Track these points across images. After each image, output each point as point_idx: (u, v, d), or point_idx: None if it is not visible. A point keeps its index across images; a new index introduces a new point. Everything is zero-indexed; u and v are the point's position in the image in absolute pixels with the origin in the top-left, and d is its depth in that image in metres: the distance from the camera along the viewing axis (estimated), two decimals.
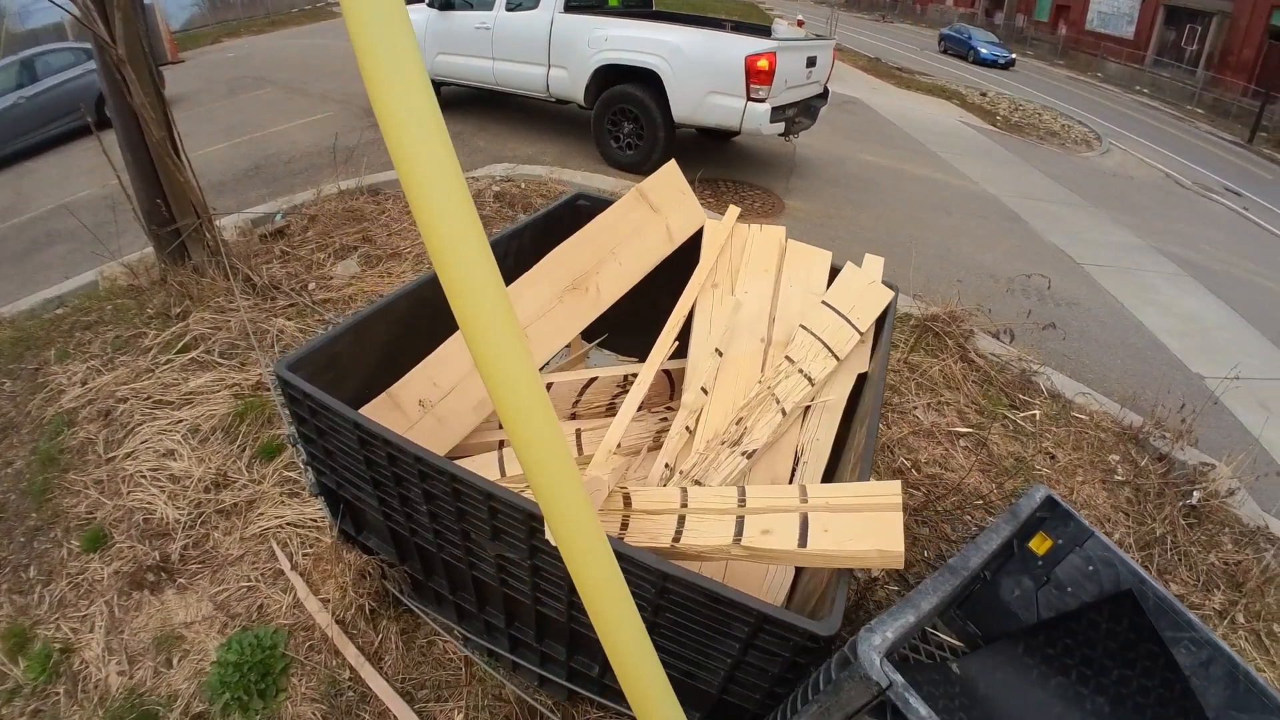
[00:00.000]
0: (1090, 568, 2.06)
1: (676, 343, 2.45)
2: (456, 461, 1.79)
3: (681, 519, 1.63)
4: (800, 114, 7.59)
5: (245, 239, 5.00)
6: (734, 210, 2.90)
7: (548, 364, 2.74)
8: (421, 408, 2.15)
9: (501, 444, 2.34)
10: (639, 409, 2.29)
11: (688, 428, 2.24)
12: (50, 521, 3.00)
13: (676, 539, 1.59)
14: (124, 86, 3.78)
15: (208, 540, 2.84)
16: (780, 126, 7.11)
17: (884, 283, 2.58)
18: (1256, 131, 21.30)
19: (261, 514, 2.91)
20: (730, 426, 2.19)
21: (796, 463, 2.18)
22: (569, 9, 7.78)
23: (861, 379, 2.38)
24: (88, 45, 9.68)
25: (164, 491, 3.00)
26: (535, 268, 2.51)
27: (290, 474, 3.07)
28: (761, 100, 6.73)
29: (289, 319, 4.10)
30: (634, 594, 1.22)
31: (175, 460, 3.14)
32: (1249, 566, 3.36)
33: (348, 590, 2.31)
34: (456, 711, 2.23)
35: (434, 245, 0.93)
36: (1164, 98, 26.47)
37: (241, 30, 20.63)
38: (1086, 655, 2.05)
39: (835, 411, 2.27)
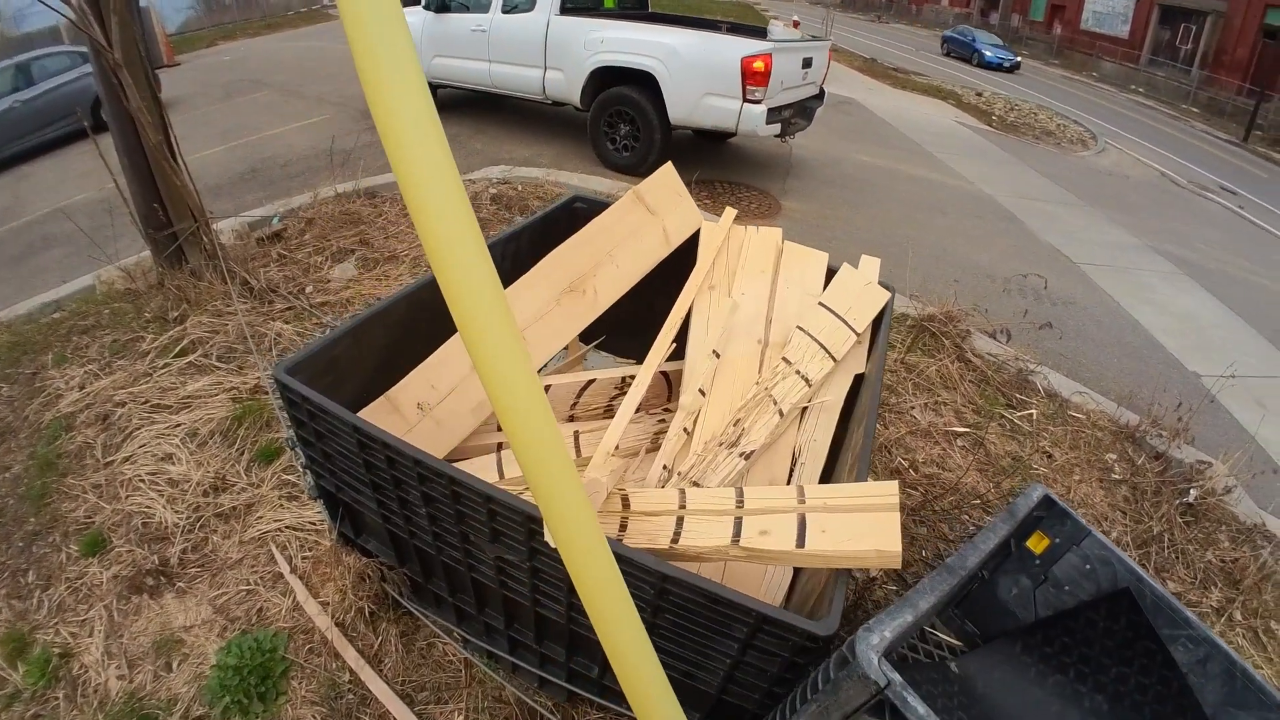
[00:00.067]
0: (1088, 566, 2.06)
1: (674, 344, 2.45)
2: (455, 464, 1.80)
3: (680, 520, 1.64)
4: (796, 115, 7.60)
5: (242, 242, 5.01)
6: (730, 212, 2.91)
7: (546, 366, 2.75)
8: (420, 410, 2.16)
9: (500, 446, 2.35)
10: (637, 411, 2.30)
11: (685, 429, 2.25)
12: (49, 526, 3.00)
13: (675, 540, 1.60)
14: (120, 90, 3.78)
15: (207, 544, 2.84)
16: (776, 128, 7.13)
17: (880, 283, 2.59)
18: (1251, 130, 21.35)
19: (260, 517, 2.91)
20: (728, 428, 2.19)
21: (794, 464, 2.18)
22: (565, 11, 7.78)
23: (858, 380, 2.39)
24: (84, 49, 9.68)
25: (163, 495, 3.00)
26: (533, 270, 2.51)
27: (289, 477, 3.07)
28: (757, 102, 6.74)
29: (286, 322, 4.10)
30: (633, 595, 1.23)
31: (174, 464, 3.14)
32: (1246, 564, 3.37)
33: (347, 593, 2.32)
34: (456, 713, 2.24)
35: (432, 248, 0.93)
36: (1159, 97, 26.53)
37: (237, 33, 20.61)
38: (1084, 653, 2.06)
39: (832, 412, 2.28)
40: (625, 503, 1.71)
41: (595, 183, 7.13)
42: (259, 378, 3.57)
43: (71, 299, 4.78)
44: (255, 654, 2.36)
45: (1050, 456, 3.90)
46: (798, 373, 2.27)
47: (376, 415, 2.06)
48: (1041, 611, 2.14)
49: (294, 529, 2.84)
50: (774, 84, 6.77)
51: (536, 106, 9.04)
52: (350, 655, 2.37)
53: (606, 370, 2.67)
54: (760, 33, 7.73)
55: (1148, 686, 1.94)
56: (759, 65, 6.56)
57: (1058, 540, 2.10)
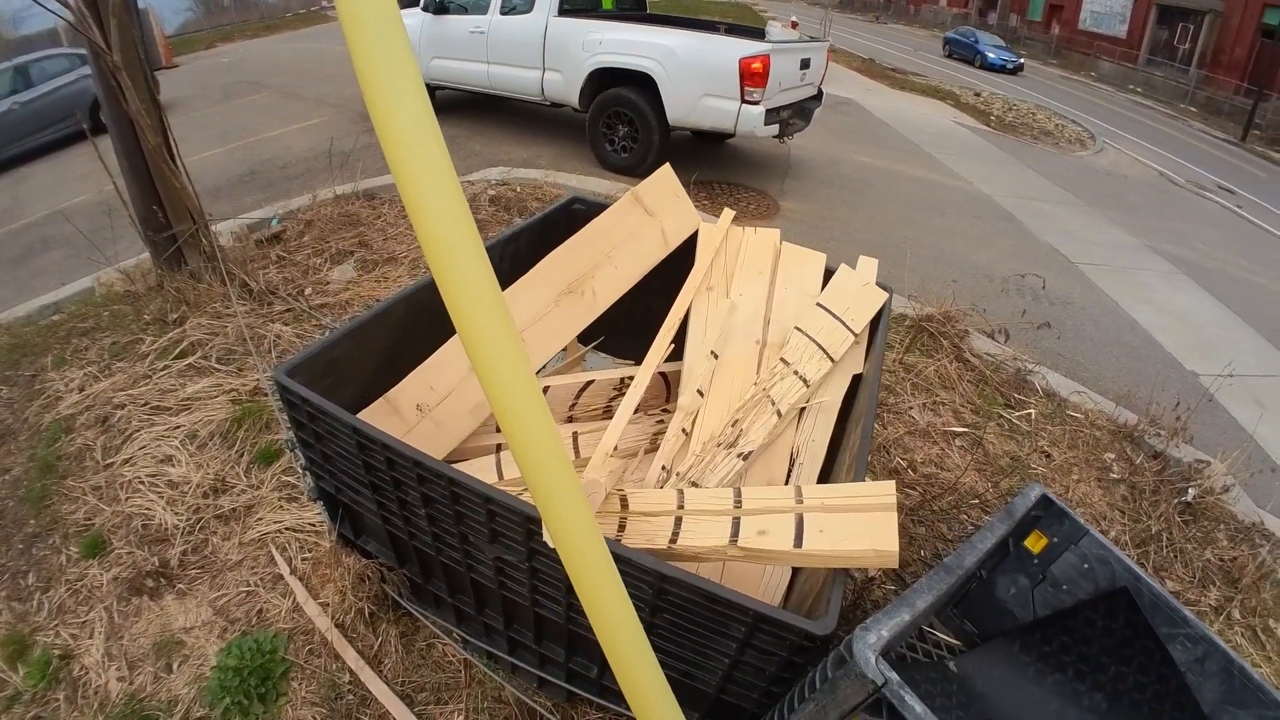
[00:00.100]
0: (1085, 565, 2.07)
1: (672, 345, 2.46)
2: (454, 465, 1.80)
3: (678, 520, 1.64)
4: (794, 116, 7.61)
5: (241, 244, 5.01)
6: (728, 213, 2.91)
7: (545, 367, 2.76)
8: (419, 412, 2.16)
9: (499, 447, 2.35)
10: (636, 411, 2.30)
11: (684, 430, 2.25)
12: (49, 528, 3.01)
13: (673, 540, 1.60)
14: (119, 93, 3.78)
15: (207, 545, 2.85)
16: (774, 129, 7.14)
17: (878, 284, 2.60)
18: (1249, 129, 21.40)
19: (260, 519, 2.91)
20: (726, 428, 2.20)
21: (792, 464, 2.19)
22: (563, 13, 7.79)
23: (856, 380, 2.39)
24: (82, 51, 9.69)
25: (162, 497, 3.01)
26: (531, 272, 2.52)
27: (288, 479, 3.08)
28: (756, 102, 6.75)
29: (286, 324, 4.10)
30: (632, 595, 1.23)
31: (173, 466, 3.15)
32: (1244, 562, 3.38)
33: (347, 594, 2.32)
34: (456, 714, 2.24)
35: (430, 251, 0.94)
36: (1157, 96, 26.55)
37: (236, 35, 20.63)
38: (1083, 652, 2.06)
39: (830, 413, 2.29)
40: (624, 503, 1.72)
41: (594, 184, 7.14)
42: (258, 379, 3.58)
43: (71, 301, 4.78)
44: (255, 655, 2.37)
45: (1048, 456, 3.91)
46: (796, 373, 2.28)
47: (376, 417, 2.06)
48: (1040, 610, 2.15)
49: (294, 530, 2.84)
50: (772, 85, 6.78)
51: (535, 108, 9.05)
52: (350, 656, 2.37)
53: (605, 371, 2.68)
54: (758, 34, 7.74)
55: (1146, 685, 1.95)
56: (757, 66, 6.57)
57: (1056, 539, 2.11)
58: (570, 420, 2.62)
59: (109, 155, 4.18)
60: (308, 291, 4.51)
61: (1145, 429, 4.28)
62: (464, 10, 8.46)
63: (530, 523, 1.58)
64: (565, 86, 7.82)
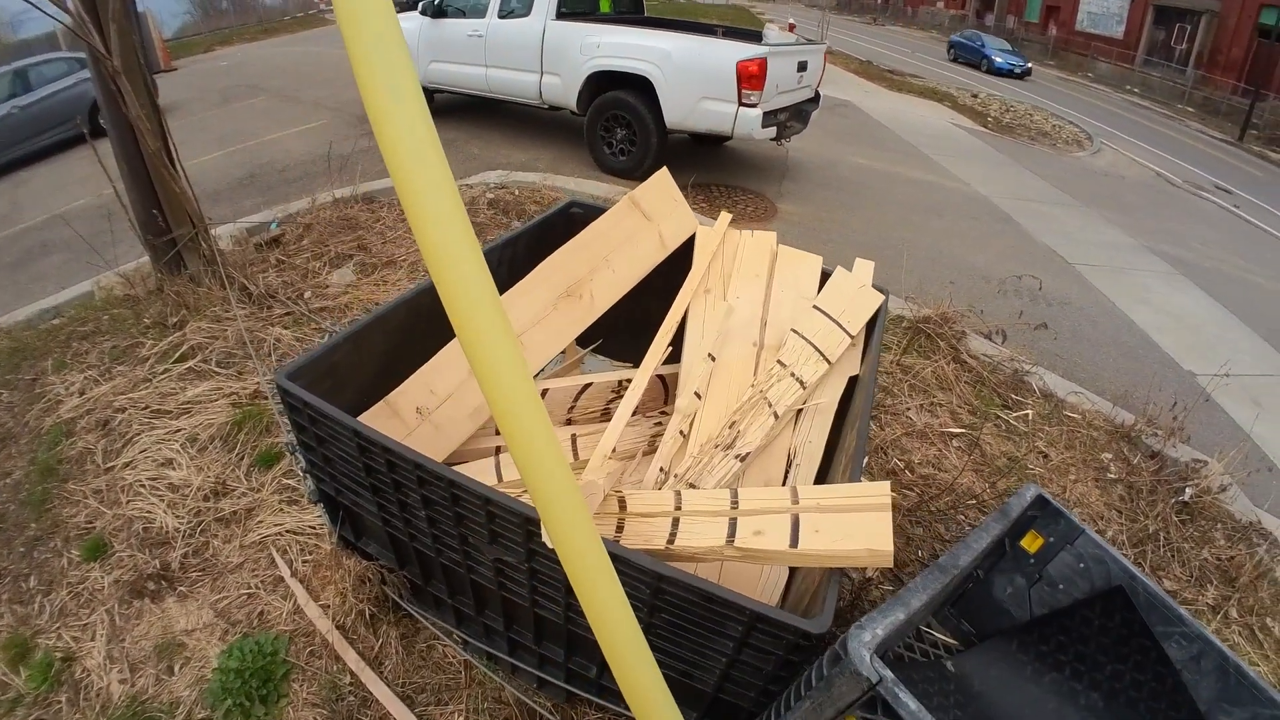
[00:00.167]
0: (1081, 565, 2.08)
1: (670, 348, 2.47)
2: (454, 467, 1.82)
3: (676, 521, 1.66)
4: (792, 118, 7.63)
5: (241, 248, 5.03)
6: (725, 216, 2.93)
7: (543, 370, 2.77)
8: (419, 415, 2.17)
9: (498, 450, 2.37)
10: (634, 414, 2.32)
11: (682, 432, 2.27)
12: (50, 531, 3.02)
13: (671, 541, 1.62)
14: (119, 97, 3.80)
15: (207, 548, 2.86)
16: (772, 131, 7.16)
17: (874, 286, 2.61)
18: (1246, 129, 21.43)
19: (261, 522, 2.93)
20: (724, 430, 2.21)
21: (789, 465, 2.21)
22: (561, 16, 7.81)
23: (853, 382, 2.41)
24: (81, 55, 9.69)
25: (163, 500, 3.02)
26: (530, 275, 2.53)
27: (289, 482, 3.09)
28: (753, 105, 6.77)
29: (285, 328, 4.12)
30: (630, 595, 1.24)
31: (174, 469, 3.16)
32: (1242, 562, 3.39)
33: (347, 596, 2.33)
34: (457, 714, 2.25)
35: (429, 255, 0.95)
36: (1154, 97, 26.58)
37: (234, 38, 20.63)
38: (1079, 651, 2.08)
39: (827, 414, 2.30)
40: (622, 504, 1.73)
41: (592, 186, 7.16)
42: (258, 383, 3.59)
43: (70, 305, 4.79)
44: (256, 657, 2.38)
45: (1046, 456, 3.93)
46: (792, 375, 2.29)
47: (376, 420, 2.08)
48: (1036, 610, 2.16)
49: (294, 533, 2.86)
50: (769, 88, 6.80)
51: (533, 111, 9.06)
52: (351, 657, 2.38)
53: (603, 374, 2.69)
54: (756, 36, 7.77)
55: (1142, 683, 1.96)
56: (754, 69, 6.59)
57: (1052, 539, 2.12)
58: (569, 422, 2.64)
59: (108, 159, 4.20)
60: (307, 295, 4.52)
61: (1142, 429, 4.30)
62: (462, 14, 8.47)
63: (529, 524, 1.59)
64: (563, 90, 7.84)
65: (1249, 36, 25.54)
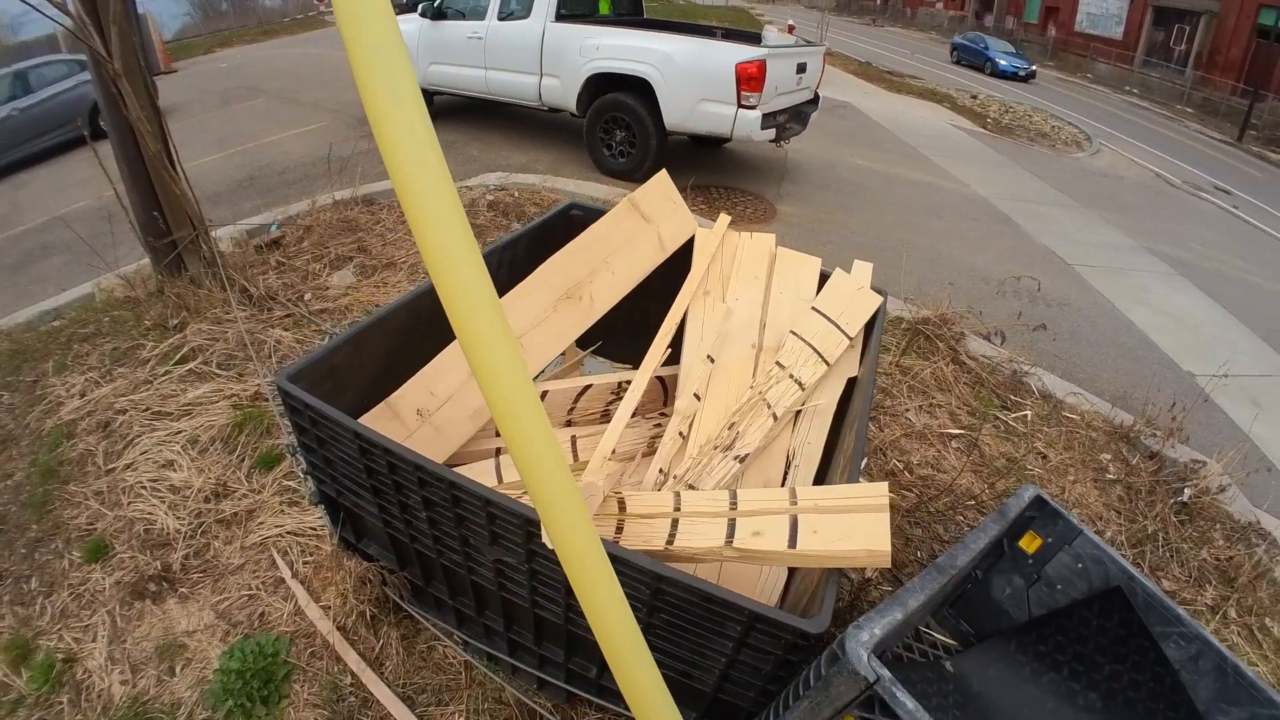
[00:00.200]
0: (1080, 565, 2.09)
1: (669, 350, 2.48)
2: (454, 469, 1.83)
3: (675, 522, 1.67)
4: (791, 120, 7.64)
5: (241, 250, 5.04)
6: (724, 218, 2.94)
7: (543, 371, 2.78)
8: (419, 417, 2.18)
9: (498, 451, 2.38)
10: (633, 415, 2.33)
11: (681, 433, 2.28)
12: (51, 533, 3.02)
13: (670, 542, 1.62)
14: (120, 100, 3.81)
15: (208, 550, 2.86)
16: (771, 133, 7.17)
17: (873, 288, 2.62)
18: (1245, 130, 21.45)
19: (261, 523, 2.93)
20: (723, 431, 2.22)
21: (788, 466, 2.21)
22: (560, 18, 7.82)
23: (851, 383, 2.42)
24: (81, 57, 9.70)
25: (164, 502, 3.03)
26: (530, 277, 2.54)
27: (289, 483, 3.10)
28: (752, 107, 6.78)
29: (286, 329, 4.12)
30: (629, 595, 1.25)
31: (175, 471, 3.17)
32: (1241, 562, 3.40)
33: (348, 597, 2.34)
34: (457, 715, 2.26)
35: (430, 260, 0.96)
36: (1153, 98, 26.61)
37: (234, 40, 20.64)
38: (1078, 651, 2.08)
39: (826, 415, 2.31)
40: (621, 506, 1.74)
41: (591, 188, 7.17)
42: (259, 385, 3.59)
43: (71, 307, 4.80)
44: (258, 658, 2.38)
45: (1045, 457, 3.94)
46: (791, 377, 2.30)
47: (377, 421, 2.09)
48: (1035, 610, 2.17)
49: (295, 534, 2.86)
50: (768, 89, 6.81)
51: (533, 113, 9.07)
52: (352, 658, 2.39)
53: (603, 375, 2.70)
54: (755, 38, 7.79)
55: (1141, 683, 1.96)
56: (753, 71, 6.60)
57: (1050, 540, 2.12)
58: (569, 424, 2.64)
59: (109, 161, 4.20)
60: (307, 297, 4.53)
61: (1141, 429, 4.31)
62: (461, 16, 8.48)
63: (529, 525, 1.60)
64: (563, 91, 7.85)
65: (1248, 37, 25.56)
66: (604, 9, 9.07)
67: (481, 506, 1.67)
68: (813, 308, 2.51)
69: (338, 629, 2.44)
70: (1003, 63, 25.38)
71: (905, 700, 1.20)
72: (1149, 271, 7.98)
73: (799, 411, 2.32)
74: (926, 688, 1.94)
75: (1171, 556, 3.37)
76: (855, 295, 2.56)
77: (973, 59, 26.70)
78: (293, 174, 7.54)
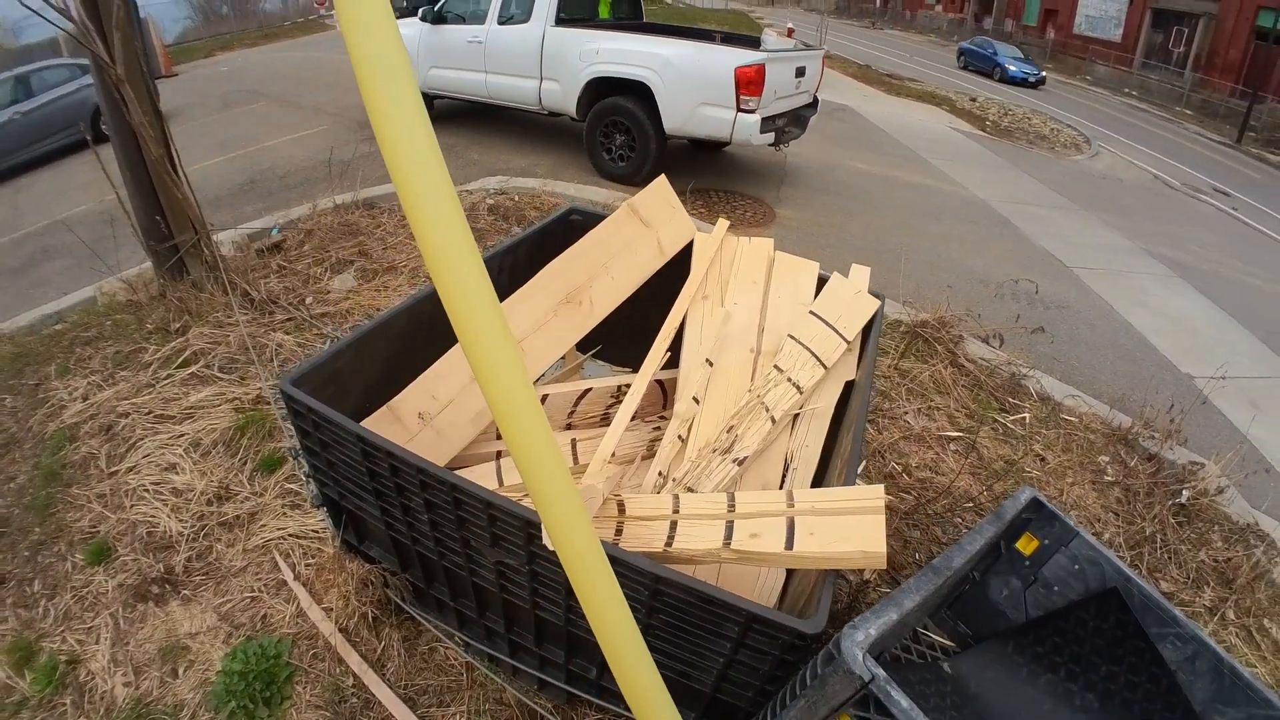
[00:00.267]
0: (1076, 567, 2.10)
1: (669, 353, 2.50)
2: (455, 472, 1.84)
3: (673, 524, 1.68)
4: (790, 124, 7.67)
5: (242, 254, 5.05)
6: (723, 223, 2.96)
7: (544, 375, 2.79)
8: (421, 420, 2.20)
9: (499, 454, 2.39)
10: (633, 418, 2.34)
11: (680, 436, 2.29)
12: (54, 536, 3.04)
13: (669, 543, 1.64)
14: (122, 104, 3.82)
15: (211, 552, 2.88)
16: (770, 136, 7.19)
17: (870, 292, 2.64)
18: (1244, 132, 21.48)
19: (264, 526, 2.95)
20: (721, 435, 2.24)
21: (786, 469, 2.23)
22: (560, 22, 7.84)
23: (849, 386, 2.43)
24: (83, 61, 9.73)
25: (167, 505, 3.04)
26: (530, 282, 2.56)
27: (291, 486, 3.11)
28: (751, 111, 6.80)
29: (287, 333, 4.14)
30: (628, 596, 1.27)
31: (177, 474, 3.18)
32: (1239, 563, 3.41)
33: (350, 599, 2.36)
34: (458, 716, 2.28)
35: (432, 265, 0.98)
36: (1152, 100, 26.64)
37: (234, 43, 20.70)
38: (1075, 652, 2.09)
39: (823, 418, 2.33)
40: (621, 508, 1.75)
41: (591, 192, 7.19)
42: (260, 388, 3.61)
43: (73, 310, 4.82)
44: (260, 660, 2.40)
45: (1043, 459, 3.95)
46: (789, 380, 2.32)
47: (379, 425, 2.10)
48: (1032, 612, 2.18)
49: (297, 537, 2.88)
50: (767, 93, 6.83)
51: (533, 117, 9.10)
52: (353, 660, 2.40)
53: (603, 379, 2.72)
54: (754, 42, 7.81)
55: (1137, 684, 1.97)
56: (752, 75, 6.63)
57: (1046, 541, 2.13)
58: (569, 427, 2.66)
59: (111, 164, 4.22)
60: (309, 301, 4.55)
61: (1140, 432, 4.32)
62: (462, 20, 8.51)
63: (530, 527, 1.62)
64: (563, 96, 7.88)
65: (1246, 39, 25.60)
66: (604, 13, 9.10)
67: (483, 509, 1.68)
68: (810, 312, 2.53)
69: (340, 631, 2.45)
70: (1012, 69, 24.94)
71: (899, 699, 1.22)
72: (1148, 274, 8.00)
73: (797, 415, 2.34)
74: (925, 689, 1.95)
75: (1170, 558, 3.38)
76: (853, 299, 2.58)
77: (981, 65, 26.26)
78: (294, 178, 7.57)
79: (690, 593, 1.48)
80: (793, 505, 1.64)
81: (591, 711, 2.25)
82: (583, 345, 2.83)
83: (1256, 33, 25.26)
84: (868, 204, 8.56)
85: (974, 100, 18.78)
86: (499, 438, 2.47)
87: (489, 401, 1.05)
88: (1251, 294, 8.17)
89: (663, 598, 1.54)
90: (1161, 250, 8.94)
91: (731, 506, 1.70)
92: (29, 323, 4.78)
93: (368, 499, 2.02)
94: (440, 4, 8.60)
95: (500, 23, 8.16)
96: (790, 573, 2.07)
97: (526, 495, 1.93)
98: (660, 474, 2.20)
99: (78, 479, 3.27)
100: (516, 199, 6.67)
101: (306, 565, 2.77)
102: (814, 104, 8.46)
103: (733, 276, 2.76)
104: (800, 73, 7.59)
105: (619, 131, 7.60)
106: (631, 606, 1.27)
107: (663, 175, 3.06)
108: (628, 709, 1.37)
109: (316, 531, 2.88)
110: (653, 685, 1.34)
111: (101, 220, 5.87)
